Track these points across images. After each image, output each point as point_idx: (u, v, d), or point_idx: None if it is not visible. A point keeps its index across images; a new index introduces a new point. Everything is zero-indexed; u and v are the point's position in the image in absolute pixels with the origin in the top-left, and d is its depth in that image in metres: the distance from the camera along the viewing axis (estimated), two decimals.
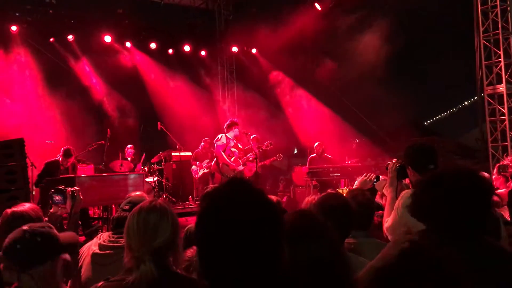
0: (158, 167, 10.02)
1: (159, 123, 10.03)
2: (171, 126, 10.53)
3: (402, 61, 13.13)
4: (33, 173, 7.30)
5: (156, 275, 1.73)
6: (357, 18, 11.53)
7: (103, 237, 2.50)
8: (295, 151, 14.62)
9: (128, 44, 11.64)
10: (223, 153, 7.66)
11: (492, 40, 9.45)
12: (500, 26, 9.25)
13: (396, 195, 2.88)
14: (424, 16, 12.44)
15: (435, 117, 21.64)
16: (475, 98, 10.59)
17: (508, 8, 9.26)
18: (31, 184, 6.46)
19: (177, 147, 10.26)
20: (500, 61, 9.36)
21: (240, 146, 8.02)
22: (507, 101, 9.33)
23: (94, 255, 2.41)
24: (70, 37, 10.74)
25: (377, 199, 3.45)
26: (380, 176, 3.30)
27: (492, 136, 9.59)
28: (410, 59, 13.91)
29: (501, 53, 9.31)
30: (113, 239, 2.44)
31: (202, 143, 10.25)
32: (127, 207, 2.49)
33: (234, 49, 12.94)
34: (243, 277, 1.09)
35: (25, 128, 8.95)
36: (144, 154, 9.96)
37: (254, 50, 13.10)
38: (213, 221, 1.12)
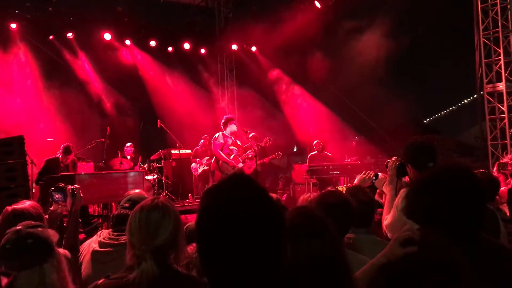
0: (157, 165, 10.01)
1: (158, 121, 10.05)
2: (170, 124, 10.53)
3: (402, 59, 13.12)
4: (33, 171, 7.31)
5: (157, 273, 1.74)
6: (357, 16, 11.52)
7: (103, 234, 2.50)
8: (295, 149, 14.63)
9: (127, 42, 11.60)
10: (221, 152, 7.66)
11: (492, 38, 9.45)
12: (500, 24, 9.25)
13: (396, 193, 2.89)
14: (424, 15, 12.44)
15: (435, 115, 21.69)
16: (475, 96, 10.58)
17: (508, 6, 9.25)
18: (31, 181, 6.46)
19: (177, 144, 10.28)
20: (500, 59, 9.35)
21: (239, 143, 8.00)
22: (507, 99, 9.33)
23: (94, 252, 2.41)
24: (69, 34, 10.70)
25: (376, 197, 3.46)
26: (379, 174, 3.31)
27: (491, 134, 9.60)
28: (410, 57, 13.90)
29: (501, 51, 9.31)
30: (113, 236, 2.44)
31: (202, 141, 10.25)
32: (127, 205, 2.50)
33: (234, 47, 12.92)
34: (243, 274, 1.08)
35: (25, 125, 8.96)
36: (140, 157, 9.86)
37: (253, 48, 13.09)
38: (213, 218, 1.11)
